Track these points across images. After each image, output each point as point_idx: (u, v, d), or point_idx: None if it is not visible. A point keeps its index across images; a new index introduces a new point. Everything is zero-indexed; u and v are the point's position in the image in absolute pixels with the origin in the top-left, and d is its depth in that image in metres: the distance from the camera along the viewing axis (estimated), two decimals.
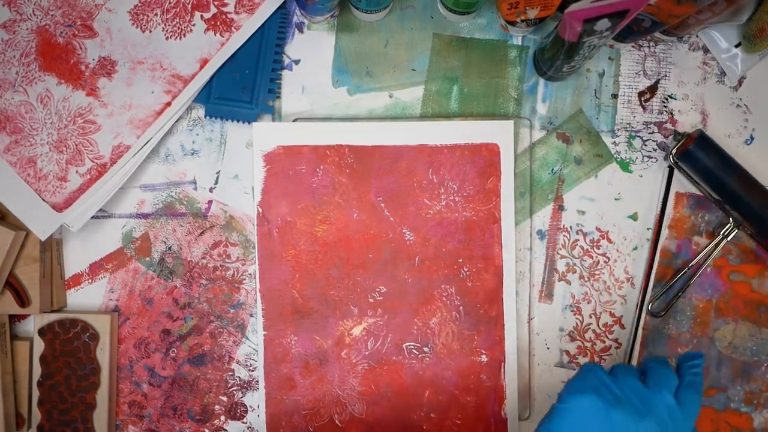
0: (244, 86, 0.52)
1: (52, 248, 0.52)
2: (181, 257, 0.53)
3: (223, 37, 0.51)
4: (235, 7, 0.51)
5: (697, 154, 0.50)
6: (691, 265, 0.52)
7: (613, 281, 0.53)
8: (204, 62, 0.50)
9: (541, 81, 0.53)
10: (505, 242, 0.52)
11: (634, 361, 0.53)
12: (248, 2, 0.51)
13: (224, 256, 0.53)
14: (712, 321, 0.53)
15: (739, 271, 0.53)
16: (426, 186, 0.52)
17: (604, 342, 0.53)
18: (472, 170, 0.52)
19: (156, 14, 0.50)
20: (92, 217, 0.51)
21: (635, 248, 0.53)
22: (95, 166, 0.50)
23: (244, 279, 0.53)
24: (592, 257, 0.53)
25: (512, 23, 0.50)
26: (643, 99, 0.54)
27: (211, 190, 0.53)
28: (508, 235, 0.52)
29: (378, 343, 0.52)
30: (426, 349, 0.52)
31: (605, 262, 0.53)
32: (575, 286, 0.53)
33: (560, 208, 0.53)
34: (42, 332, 0.51)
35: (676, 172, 0.52)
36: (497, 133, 0.51)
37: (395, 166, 0.51)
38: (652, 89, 0.53)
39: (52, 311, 0.52)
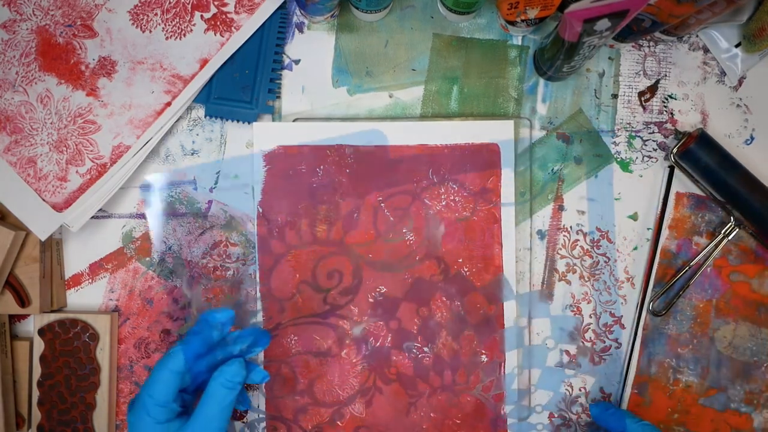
0: (244, 86, 0.52)
1: (52, 248, 0.52)
2: (181, 257, 0.53)
3: (223, 37, 0.51)
4: (235, 7, 0.51)
5: (699, 153, 0.50)
6: (692, 265, 0.52)
7: (613, 281, 0.53)
8: (204, 62, 0.50)
9: (541, 81, 0.53)
10: (505, 242, 0.52)
11: (634, 362, 0.53)
12: (248, 2, 0.51)
13: (224, 256, 0.53)
14: (712, 321, 0.53)
15: (739, 271, 0.53)
16: (426, 186, 0.52)
17: (604, 342, 0.53)
18: (472, 170, 0.52)
19: (156, 14, 0.50)
20: (92, 217, 0.51)
21: (635, 248, 0.53)
22: (95, 166, 0.50)
23: (244, 279, 0.53)
24: (592, 257, 0.53)
25: (512, 23, 0.50)
26: (643, 99, 0.53)
27: (211, 190, 0.53)
28: (508, 235, 0.52)
29: (378, 343, 0.52)
30: (426, 349, 0.52)
31: (605, 262, 0.53)
32: (575, 286, 0.53)
33: (560, 208, 0.53)
34: (42, 332, 0.51)
35: (676, 171, 0.52)
36: (497, 133, 0.51)
37: (395, 166, 0.51)
38: (652, 89, 0.53)
39: (52, 311, 0.52)
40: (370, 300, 0.52)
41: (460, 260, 0.52)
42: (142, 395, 0.41)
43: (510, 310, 0.52)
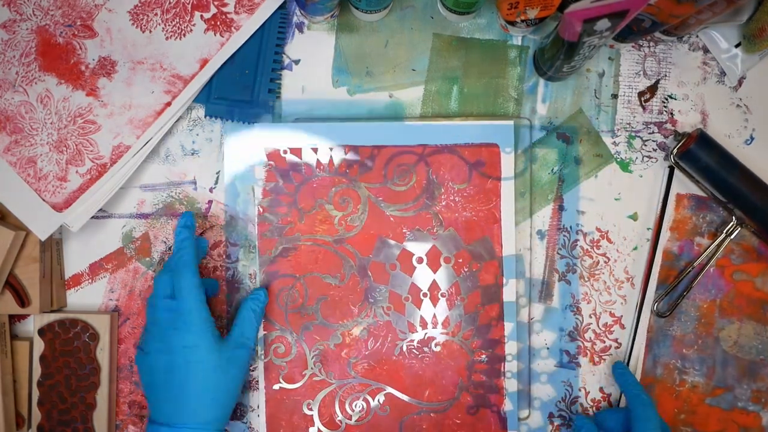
0: (244, 86, 0.52)
1: (52, 248, 0.52)
2: None
3: (223, 37, 0.51)
4: (235, 7, 0.51)
5: (699, 154, 0.50)
6: (695, 266, 0.52)
7: (613, 281, 0.53)
8: (204, 62, 0.50)
9: (541, 81, 0.53)
10: (505, 242, 0.52)
11: (637, 362, 0.52)
12: (248, 2, 0.51)
13: (224, 256, 0.53)
14: (716, 321, 0.53)
15: (742, 270, 0.53)
16: (426, 186, 0.52)
17: (604, 342, 0.53)
18: (473, 170, 0.52)
19: (156, 14, 0.50)
20: (92, 217, 0.51)
21: (635, 248, 0.53)
22: (95, 166, 0.50)
23: (244, 279, 0.53)
24: (592, 257, 0.53)
25: (512, 23, 0.50)
26: (643, 99, 0.53)
27: (211, 190, 0.53)
28: (508, 235, 0.52)
29: (378, 343, 0.52)
30: (426, 349, 0.52)
31: (605, 262, 0.53)
32: (575, 286, 0.53)
33: (560, 208, 0.53)
34: (42, 332, 0.51)
35: (676, 171, 0.52)
36: (497, 133, 0.51)
37: (395, 166, 0.51)
38: (652, 89, 0.53)
39: (52, 311, 0.52)
40: (370, 300, 0.52)
41: (460, 260, 0.51)
42: (181, 271, 0.47)
43: (510, 310, 0.51)
